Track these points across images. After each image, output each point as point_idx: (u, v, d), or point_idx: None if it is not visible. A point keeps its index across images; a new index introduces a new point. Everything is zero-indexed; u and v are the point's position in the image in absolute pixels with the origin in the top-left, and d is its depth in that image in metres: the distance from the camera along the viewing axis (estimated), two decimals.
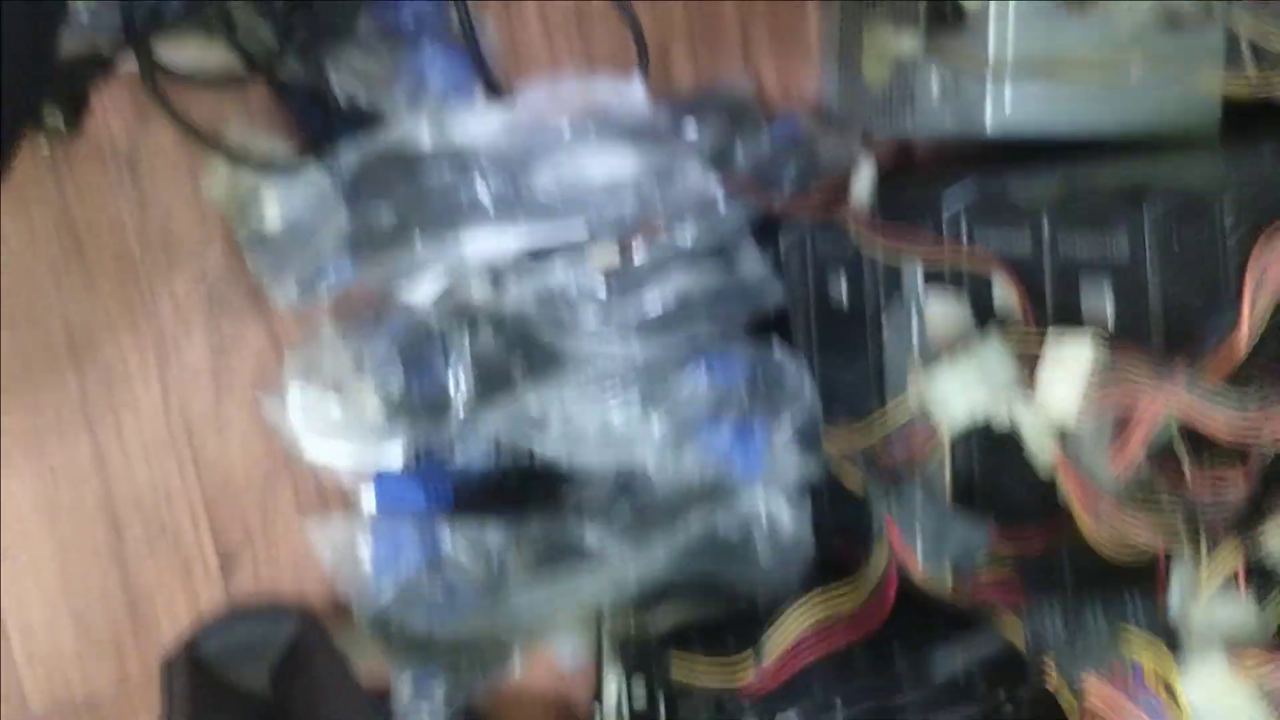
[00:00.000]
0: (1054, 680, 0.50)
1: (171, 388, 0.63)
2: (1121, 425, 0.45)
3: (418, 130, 0.63)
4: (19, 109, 0.45)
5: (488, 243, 0.63)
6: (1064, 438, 0.46)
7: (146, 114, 0.61)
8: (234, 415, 0.65)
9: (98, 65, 0.59)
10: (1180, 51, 0.62)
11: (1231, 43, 0.59)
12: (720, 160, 0.68)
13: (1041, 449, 0.47)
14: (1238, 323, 0.41)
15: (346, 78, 0.63)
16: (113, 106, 0.61)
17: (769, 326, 0.69)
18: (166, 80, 0.60)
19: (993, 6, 0.61)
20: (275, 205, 0.61)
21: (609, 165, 0.64)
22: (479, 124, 0.63)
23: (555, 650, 0.70)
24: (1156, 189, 0.47)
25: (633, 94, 0.67)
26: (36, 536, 0.62)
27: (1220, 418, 0.40)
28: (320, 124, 0.63)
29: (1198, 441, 0.44)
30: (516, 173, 0.63)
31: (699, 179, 0.65)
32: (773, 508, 0.68)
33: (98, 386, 0.62)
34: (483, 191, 0.62)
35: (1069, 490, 0.46)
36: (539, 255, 0.66)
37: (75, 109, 0.60)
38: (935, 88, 0.65)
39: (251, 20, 0.60)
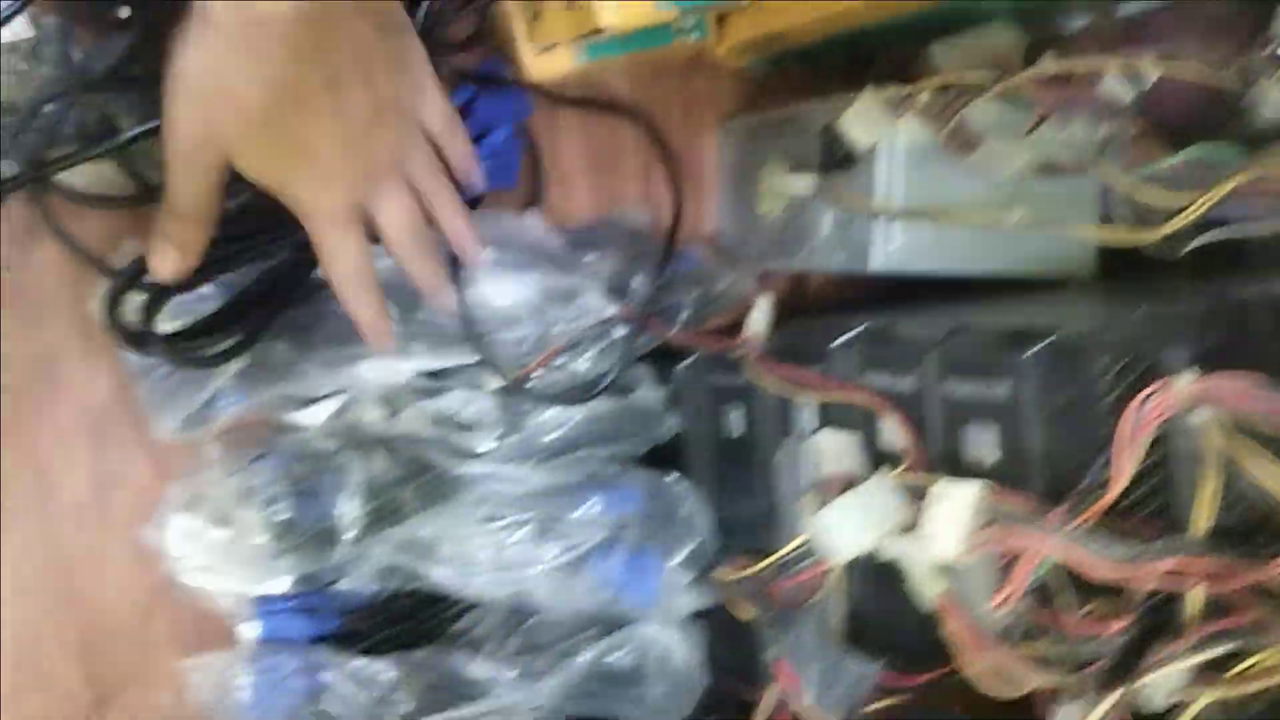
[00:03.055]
0: None
1: (49, 523, 0.61)
2: (1005, 566, 0.46)
3: None
4: None
5: (384, 369, 0.63)
6: (947, 577, 0.47)
7: (37, 232, 0.60)
8: (113, 551, 0.62)
9: None
10: (1057, 198, 0.65)
11: (1106, 193, 0.62)
12: (618, 290, 0.69)
13: (925, 588, 0.47)
14: (1110, 478, 0.42)
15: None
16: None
17: (664, 456, 0.69)
18: (59, 199, 0.59)
19: (881, 151, 0.63)
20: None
21: (509, 291, 0.64)
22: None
23: None
24: (1035, 336, 0.48)
25: (532, 226, 0.67)
26: None
27: (1096, 563, 0.41)
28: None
29: (1081, 584, 0.45)
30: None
31: (598, 303, 0.66)
32: (664, 640, 0.67)
33: None
34: None
35: (953, 629, 0.47)
36: (436, 376, 0.65)
37: None
38: (827, 225, 0.66)
39: (150, 148, 0.59)
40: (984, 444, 0.50)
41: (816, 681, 0.55)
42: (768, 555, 0.63)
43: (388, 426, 0.63)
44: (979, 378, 0.50)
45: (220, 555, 0.60)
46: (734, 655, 0.67)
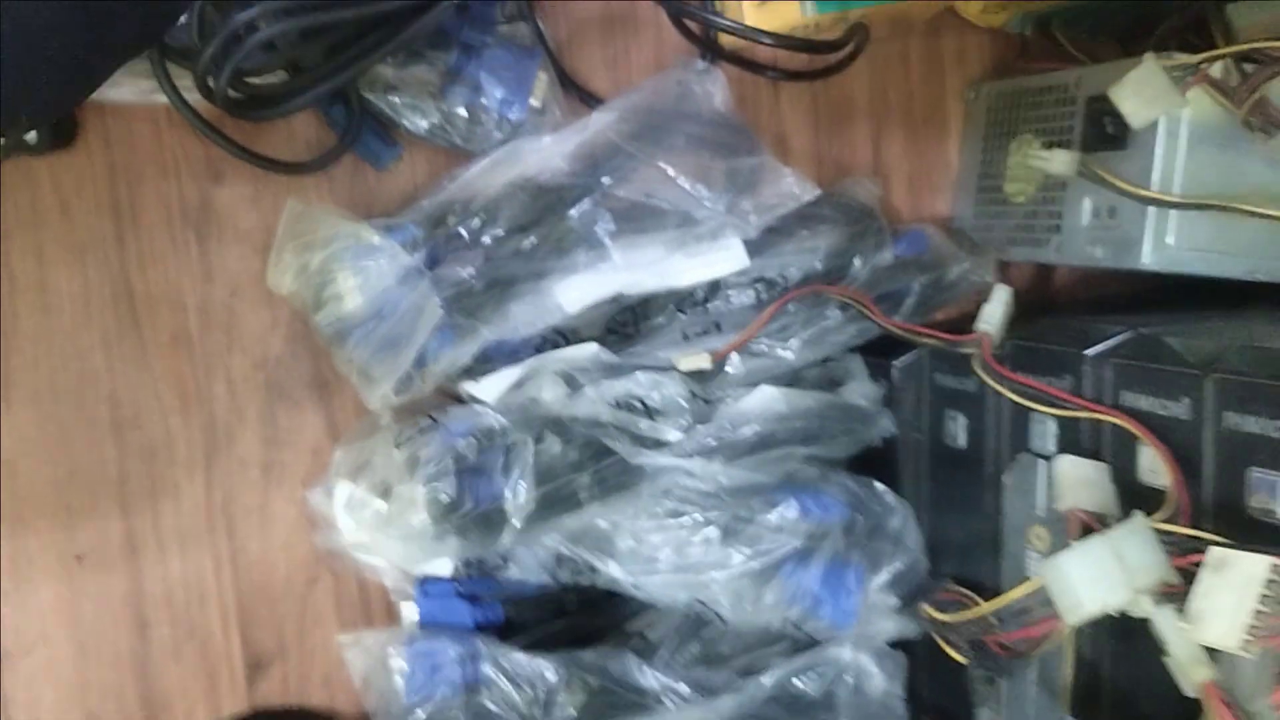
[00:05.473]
0: None
1: (217, 479, 0.58)
2: None
3: (489, 171, 0.57)
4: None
5: (583, 290, 0.58)
6: (1219, 664, 0.38)
7: (220, 174, 0.57)
8: (280, 513, 0.59)
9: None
10: None
11: None
12: (836, 269, 0.61)
13: (1188, 671, 0.38)
14: None
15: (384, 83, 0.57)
16: (186, 164, 0.57)
17: (873, 462, 0.61)
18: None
19: (1162, 124, 0.53)
20: (352, 284, 0.56)
21: (692, 171, 0.58)
22: (553, 149, 0.58)
23: None
24: None
25: (712, 84, 0.60)
26: (56, 629, 0.56)
27: None
28: (345, 122, 0.57)
29: None
30: (598, 201, 0.58)
31: (791, 183, 0.59)
32: (861, 667, 0.60)
33: (139, 468, 0.57)
34: (574, 225, 0.57)
35: None
36: (621, 345, 0.60)
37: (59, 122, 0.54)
38: (1087, 211, 0.57)
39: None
40: (1274, 496, 0.40)
41: None
42: (984, 588, 0.55)
43: (566, 406, 0.57)
44: (1273, 411, 0.41)
45: (380, 529, 0.56)
46: (943, 694, 0.59)
